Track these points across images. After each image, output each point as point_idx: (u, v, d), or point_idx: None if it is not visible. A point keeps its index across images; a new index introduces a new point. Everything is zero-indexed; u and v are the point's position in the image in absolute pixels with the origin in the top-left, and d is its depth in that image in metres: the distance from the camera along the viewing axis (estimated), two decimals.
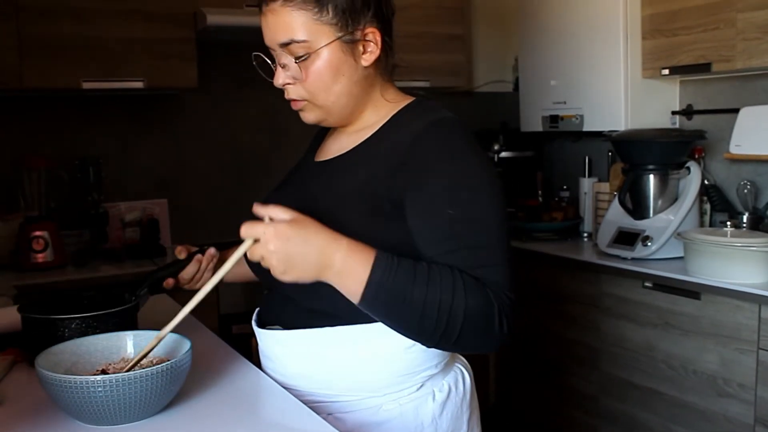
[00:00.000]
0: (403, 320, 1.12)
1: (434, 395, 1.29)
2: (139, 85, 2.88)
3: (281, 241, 1.08)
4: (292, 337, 1.26)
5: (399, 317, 1.12)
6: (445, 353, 1.30)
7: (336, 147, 1.32)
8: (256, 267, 1.35)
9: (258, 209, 1.12)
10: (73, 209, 3.02)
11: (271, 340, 1.31)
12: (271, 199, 1.37)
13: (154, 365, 1.10)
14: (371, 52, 1.22)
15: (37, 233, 2.77)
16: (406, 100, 1.30)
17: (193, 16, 2.95)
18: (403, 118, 1.25)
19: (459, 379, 1.35)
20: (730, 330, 2.36)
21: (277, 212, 1.11)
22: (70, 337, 1.28)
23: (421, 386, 1.28)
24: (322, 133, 1.44)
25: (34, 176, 2.86)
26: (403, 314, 1.11)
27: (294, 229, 1.10)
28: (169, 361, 1.10)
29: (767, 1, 2.47)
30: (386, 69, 1.28)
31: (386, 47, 1.25)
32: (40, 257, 2.77)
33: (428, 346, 1.17)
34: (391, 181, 1.18)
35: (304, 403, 1.21)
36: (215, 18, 2.83)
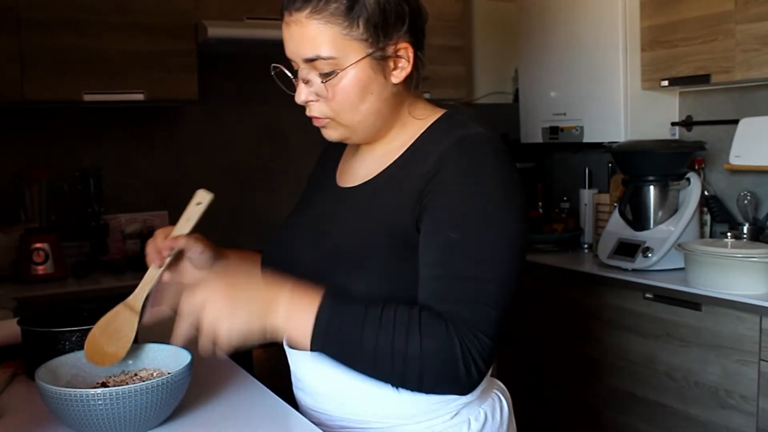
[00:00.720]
0: (358, 366, 1.06)
1: (470, 424, 1.22)
2: (140, 97, 2.88)
3: (220, 294, 1.04)
4: (325, 358, 1.19)
5: (352, 364, 1.06)
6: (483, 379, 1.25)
7: (363, 171, 1.24)
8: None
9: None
10: (73, 221, 3.02)
11: (302, 361, 1.23)
12: (291, 224, 1.33)
13: (154, 378, 1.10)
14: (402, 68, 1.14)
15: (38, 245, 2.77)
16: (435, 115, 1.22)
17: (194, 29, 2.96)
18: (432, 137, 1.18)
19: (497, 406, 1.28)
20: (732, 341, 2.36)
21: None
22: (71, 350, 1.28)
23: (456, 414, 1.20)
24: (336, 146, 1.34)
25: (34, 188, 2.86)
26: (355, 361, 1.05)
27: (231, 282, 1.06)
28: (169, 373, 1.10)
29: (766, 13, 2.48)
30: (417, 84, 1.20)
31: (418, 62, 1.16)
32: (41, 269, 2.77)
33: (397, 388, 1.10)
34: (418, 206, 1.11)
35: (334, 427, 1.19)
36: (216, 30, 2.84)
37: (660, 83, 2.91)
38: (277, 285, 1.07)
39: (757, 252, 2.35)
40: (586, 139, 3.17)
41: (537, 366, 3.15)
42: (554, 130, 3.32)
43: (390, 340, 1.03)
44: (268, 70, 1.21)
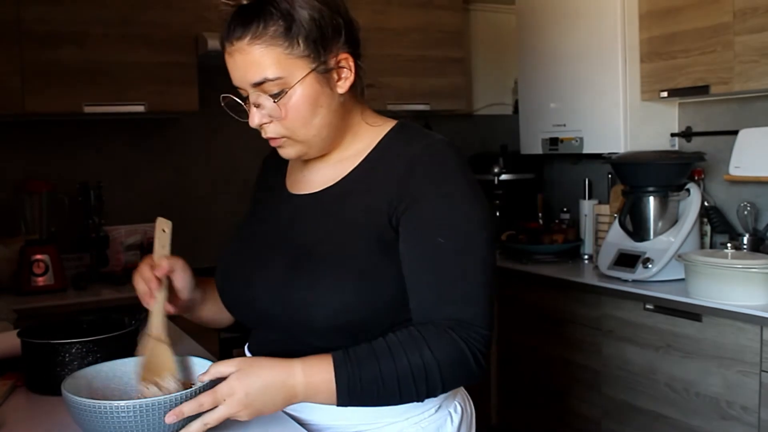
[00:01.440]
0: (386, 400, 1.12)
1: (451, 416, 1.29)
2: (140, 109, 2.89)
3: (241, 397, 1.07)
4: None
5: (382, 400, 1.12)
6: None
7: (320, 178, 1.27)
8: (236, 311, 1.33)
9: (203, 377, 1.10)
10: (73, 233, 3.02)
11: None
12: (245, 237, 1.34)
13: (177, 391, 1.09)
14: (346, 78, 1.19)
15: (38, 257, 2.78)
16: (388, 124, 1.27)
17: (195, 41, 2.97)
18: (393, 144, 1.23)
19: (466, 399, 1.36)
20: (732, 352, 2.35)
21: (220, 369, 1.10)
22: (70, 362, 1.28)
23: (439, 407, 1.27)
24: (280, 161, 1.36)
25: (35, 200, 2.87)
26: (383, 396, 1.11)
27: (247, 383, 1.08)
28: (192, 384, 1.10)
29: (764, 25, 2.49)
30: (362, 92, 1.26)
31: (359, 71, 1.22)
32: (41, 281, 2.77)
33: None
34: (391, 209, 1.17)
35: None
36: (216, 43, 2.83)
37: (659, 94, 2.91)
38: (288, 369, 1.10)
39: (758, 263, 2.35)
40: (585, 150, 3.18)
41: (537, 376, 3.14)
42: (554, 141, 3.32)
43: (407, 366, 1.10)
44: None
